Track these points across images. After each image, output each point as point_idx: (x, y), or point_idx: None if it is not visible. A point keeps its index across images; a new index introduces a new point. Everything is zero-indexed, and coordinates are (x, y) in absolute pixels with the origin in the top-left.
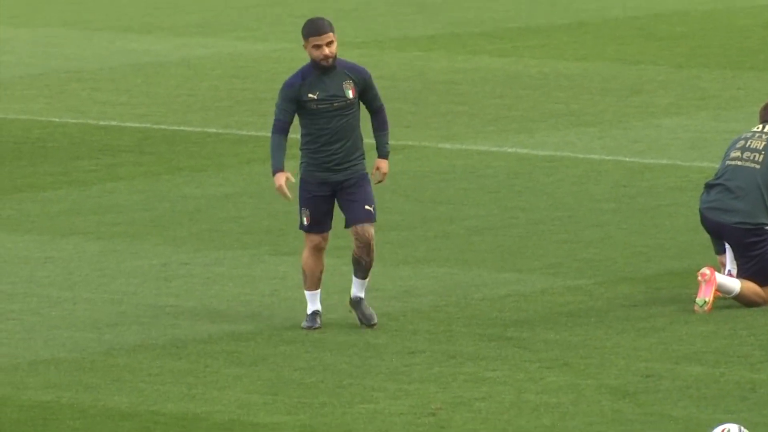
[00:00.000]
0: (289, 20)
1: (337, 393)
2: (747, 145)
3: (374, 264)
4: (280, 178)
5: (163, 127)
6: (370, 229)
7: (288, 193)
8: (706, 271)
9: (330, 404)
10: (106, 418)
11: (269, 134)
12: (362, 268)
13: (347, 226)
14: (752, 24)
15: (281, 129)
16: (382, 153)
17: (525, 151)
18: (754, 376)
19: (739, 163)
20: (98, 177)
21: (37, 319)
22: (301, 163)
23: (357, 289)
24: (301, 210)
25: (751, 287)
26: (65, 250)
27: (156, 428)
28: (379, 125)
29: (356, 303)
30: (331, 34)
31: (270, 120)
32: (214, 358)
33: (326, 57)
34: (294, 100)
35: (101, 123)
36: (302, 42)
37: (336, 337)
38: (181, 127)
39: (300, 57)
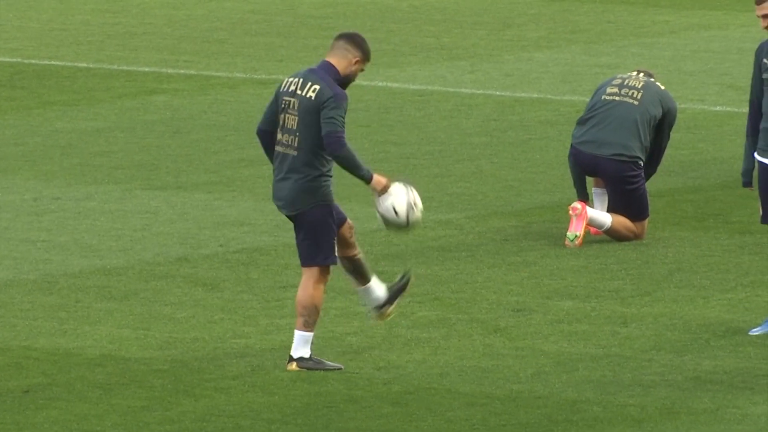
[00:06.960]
0: None
1: (209, 328)
2: (624, 83)
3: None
4: (384, 179)
5: (34, 61)
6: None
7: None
8: (577, 205)
9: (201, 339)
10: None
11: (140, 69)
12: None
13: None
14: None
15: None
16: None
17: (396, 85)
18: (625, 310)
19: (616, 98)
20: None
21: None
22: (325, 191)
23: (382, 290)
24: (333, 241)
25: (622, 222)
26: None
27: (28, 363)
28: None
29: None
30: None
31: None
32: (86, 293)
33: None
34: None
35: None
36: (354, 58)
37: (207, 272)
38: (53, 62)
39: None
